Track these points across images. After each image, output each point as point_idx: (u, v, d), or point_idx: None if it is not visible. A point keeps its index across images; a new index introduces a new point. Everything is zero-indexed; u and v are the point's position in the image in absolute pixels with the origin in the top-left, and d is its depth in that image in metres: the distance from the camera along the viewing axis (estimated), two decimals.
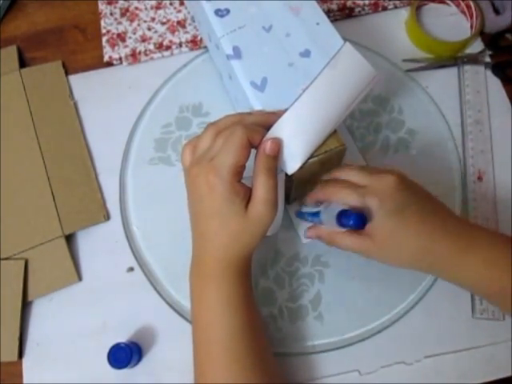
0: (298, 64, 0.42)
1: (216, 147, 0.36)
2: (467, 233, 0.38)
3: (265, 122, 0.38)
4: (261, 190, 0.35)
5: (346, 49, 0.39)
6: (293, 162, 0.38)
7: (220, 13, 0.45)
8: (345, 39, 0.43)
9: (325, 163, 0.40)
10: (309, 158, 0.38)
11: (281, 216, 0.43)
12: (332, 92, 0.38)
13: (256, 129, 0.36)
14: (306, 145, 0.37)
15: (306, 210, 0.44)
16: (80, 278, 0.47)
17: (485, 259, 0.37)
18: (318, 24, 0.44)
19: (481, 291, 0.39)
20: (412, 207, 0.37)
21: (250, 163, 0.36)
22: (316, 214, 0.41)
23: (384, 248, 0.38)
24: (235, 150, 0.34)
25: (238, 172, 0.35)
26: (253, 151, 0.37)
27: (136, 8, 0.59)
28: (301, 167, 0.38)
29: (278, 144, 0.37)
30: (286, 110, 0.38)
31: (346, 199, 0.37)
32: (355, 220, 0.35)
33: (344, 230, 0.38)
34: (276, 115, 0.38)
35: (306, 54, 0.43)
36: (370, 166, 0.41)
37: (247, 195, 0.36)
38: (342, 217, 0.36)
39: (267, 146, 0.36)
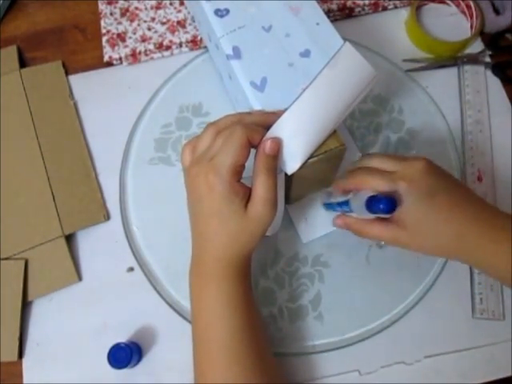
0: (298, 64, 0.42)
1: (215, 147, 0.36)
2: (499, 221, 0.37)
3: (264, 122, 0.38)
4: (260, 189, 0.35)
5: (345, 48, 0.39)
6: (292, 162, 0.38)
7: (220, 13, 0.45)
8: (345, 39, 0.43)
9: (325, 163, 0.40)
10: (309, 158, 0.38)
11: (281, 216, 0.43)
12: (332, 92, 0.38)
13: (256, 128, 0.36)
14: (305, 145, 0.37)
15: (333, 200, 0.43)
16: (80, 278, 0.47)
17: None
18: (317, 24, 0.44)
19: (506, 279, 0.38)
20: (443, 193, 0.37)
21: (249, 163, 0.36)
22: (345, 204, 0.40)
23: (415, 235, 0.37)
24: (235, 149, 0.34)
25: (238, 172, 0.35)
26: (252, 151, 0.37)
27: (136, 8, 0.59)
28: (300, 167, 0.38)
29: (278, 143, 0.37)
30: (285, 109, 0.38)
31: (375, 185, 0.37)
32: (385, 204, 0.34)
33: (374, 217, 0.37)
34: (276, 115, 0.38)
35: (305, 54, 0.43)
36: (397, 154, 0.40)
37: (247, 195, 0.36)
38: (372, 202, 0.35)
39: (267, 145, 0.36)
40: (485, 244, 0.37)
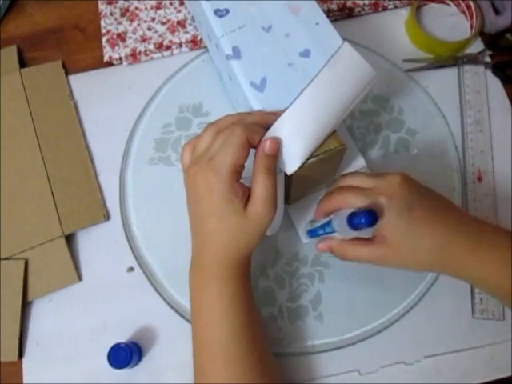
0: (298, 64, 0.42)
1: (215, 147, 0.36)
2: (481, 230, 0.38)
3: (264, 122, 0.38)
4: (260, 189, 0.35)
5: (344, 48, 0.39)
6: (292, 162, 0.38)
7: (219, 13, 0.45)
8: (344, 39, 0.43)
9: (324, 163, 0.40)
10: (308, 158, 0.38)
11: (281, 216, 0.43)
12: (331, 92, 0.38)
13: (255, 128, 0.36)
14: (305, 144, 0.37)
15: (316, 225, 0.43)
16: (80, 278, 0.47)
17: (503, 256, 0.36)
18: (317, 24, 0.44)
19: (499, 290, 0.38)
20: (422, 205, 0.37)
21: (249, 163, 0.36)
22: (327, 225, 0.40)
23: (398, 251, 0.37)
24: (234, 149, 0.34)
25: (237, 172, 0.35)
26: (252, 151, 0.37)
27: (136, 8, 0.59)
28: (300, 167, 0.38)
29: (278, 143, 0.37)
30: (285, 109, 0.38)
31: (356, 202, 0.38)
32: (366, 217, 0.34)
33: (357, 233, 0.37)
34: (275, 115, 0.38)
35: (305, 54, 0.43)
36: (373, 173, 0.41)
37: (246, 195, 0.36)
38: (354, 218, 0.35)
39: (266, 145, 0.36)
40: (470, 254, 0.37)
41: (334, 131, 0.39)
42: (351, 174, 0.42)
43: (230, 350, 0.36)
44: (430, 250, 0.37)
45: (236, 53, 0.43)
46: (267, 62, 0.43)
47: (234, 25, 0.44)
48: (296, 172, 0.38)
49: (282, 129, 0.37)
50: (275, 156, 0.36)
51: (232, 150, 0.34)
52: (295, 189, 0.44)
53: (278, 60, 0.42)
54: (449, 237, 0.37)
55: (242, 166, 0.36)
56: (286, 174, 0.39)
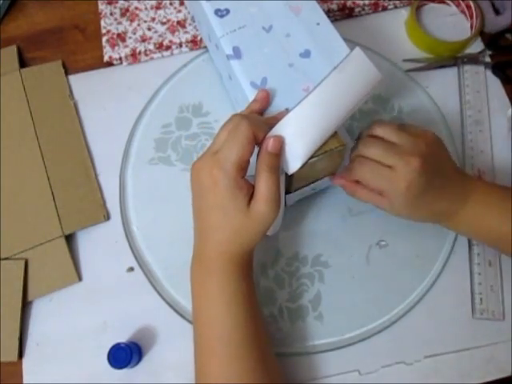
0: (298, 64, 0.42)
1: (220, 141, 0.36)
2: (466, 184, 0.42)
3: (269, 121, 0.38)
4: (263, 187, 0.35)
5: (356, 53, 0.39)
6: (294, 162, 0.38)
7: (220, 13, 0.45)
8: (346, 40, 0.43)
9: (325, 163, 0.40)
10: (309, 158, 0.38)
11: (281, 216, 0.43)
12: (338, 95, 0.38)
13: (260, 125, 0.36)
14: (307, 145, 0.37)
15: None
16: (80, 278, 0.47)
17: (483, 201, 0.41)
18: (318, 24, 0.44)
19: (481, 232, 0.43)
20: (433, 186, 0.40)
21: (252, 161, 0.36)
22: None
23: (400, 211, 0.42)
24: (239, 144, 0.34)
25: (242, 168, 0.35)
26: (255, 149, 0.37)
27: (136, 8, 0.59)
28: (301, 167, 0.38)
29: (281, 142, 0.37)
30: (287, 109, 0.38)
31: (378, 180, 0.40)
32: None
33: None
34: (280, 115, 0.38)
35: (306, 54, 0.43)
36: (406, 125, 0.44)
37: (250, 191, 0.36)
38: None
39: (269, 143, 0.36)
40: (454, 203, 0.41)
41: (335, 131, 0.39)
42: (381, 124, 0.42)
43: (232, 346, 0.36)
44: (430, 213, 0.42)
45: (236, 53, 0.43)
46: (268, 62, 0.43)
47: (235, 25, 0.44)
48: (297, 171, 0.38)
49: (286, 128, 0.37)
50: (278, 155, 0.37)
51: (237, 145, 0.34)
52: (296, 188, 0.44)
53: (279, 60, 0.43)
54: (446, 200, 0.41)
55: (247, 162, 0.36)
56: (286, 174, 0.39)
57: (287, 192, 0.43)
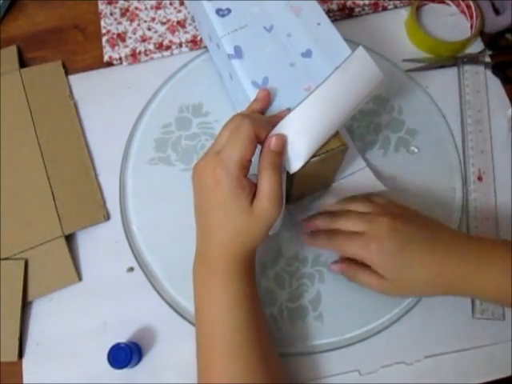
0: (300, 64, 0.42)
1: (222, 141, 0.36)
2: (475, 248, 0.40)
3: (271, 120, 0.38)
4: (266, 185, 0.35)
5: (358, 53, 0.39)
6: (296, 161, 0.38)
7: (221, 12, 0.45)
8: (346, 40, 0.43)
9: (326, 162, 0.40)
10: (311, 158, 0.38)
11: (281, 216, 0.43)
12: (341, 94, 0.38)
13: (262, 124, 0.36)
14: (309, 144, 0.37)
15: None
16: (80, 278, 0.47)
17: (500, 270, 0.38)
18: (319, 24, 0.44)
19: (502, 301, 0.41)
20: (413, 241, 0.40)
21: (255, 160, 0.36)
22: None
23: (399, 284, 0.41)
24: (242, 143, 0.34)
25: (245, 167, 0.35)
26: (258, 148, 0.37)
27: (136, 8, 0.59)
28: (303, 166, 0.38)
29: (283, 140, 0.37)
30: (289, 109, 0.38)
31: (349, 251, 0.42)
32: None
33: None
34: (283, 114, 0.38)
35: (307, 54, 0.43)
36: (359, 201, 0.45)
37: (252, 191, 0.36)
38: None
39: (272, 141, 0.36)
40: (467, 275, 0.39)
41: (336, 131, 0.39)
42: (344, 215, 0.43)
43: (234, 346, 0.36)
44: (427, 279, 0.40)
45: (238, 52, 0.43)
46: (269, 61, 0.43)
47: (236, 24, 0.44)
48: (298, 171, 0.38)
49: (288, 127, 0.37)
50: (280, 153, 0.37)
51: (239, 145, 0.34)
52: (296, 188, 0.44)
53: (280, 60, 0.43)
54: (444, 264, 0.39)
55: (250, 161, 0.36)
56: (288, 173, 0.39)
57: (288, 191, 0.43)
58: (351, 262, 0.43)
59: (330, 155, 0.39)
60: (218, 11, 0.45)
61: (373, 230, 0.40)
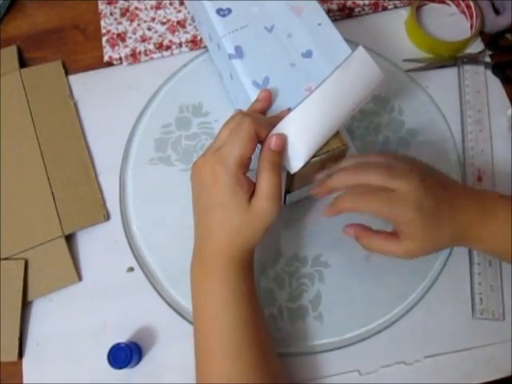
0: (300, 64, 0.42)
1: (222, 138, 0.36)
2: (481, 198, 0.39)
3: (272, 120, 0.38)
4: (265, 184, 0.35)
5: (358, 53, 0.39)
6: (296, 161, 0.38)
7: (222, 12, 0.45)
8: (346, 40, 0.43)
9: (326, 162, 0.40)
10: (311, 158, 0.38)
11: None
12: (341, 94, 0.38)
13: (263, 122, 0.36)
14: (310, 144, 0.37)
15: None
16: (80, 278, 0.47)
17: (504, 218, 0.38)
18: (319, 25, 0.44)
19: (505, 252, 0.39)
20: (437, 198, 0.37)
21: (254, 160, 0.36)
22: None
23: (425, 241, 0.38)
24: (242, 141, 0.34)
25: (244, 164, 0.35)
26: (258, 148, 0.37)
27: (136, 8, 0.59)
28: (303, 166, 0.38)
29: (283, 140, 0.37)
30: (289, 109, 0.38)
31: (378, 207, 0.37)
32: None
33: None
34: (284, 114, 0.38)
35: (307, 54, 0.43)
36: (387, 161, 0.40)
37: (251, 189, 0.36)
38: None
39: (272, 141, 0.36)
40: (481, 227, 0.38)
41: (337, 131, 0.39)
42: (366, 168, 0.39)
43: (232, 345, 0.36)
44: (451, 233, 0.38)
45: (238, 52, 0.43)
46: (270, 61, 0.43)
47: (237, 24, 0.44)
48: (297, 171, 0.38)
49: (288, 127, 0.37)
50: (280, 152, 0.36)
51: (240, 142, 0.34)
52: (296, 188, 0.44)
53: (281, 60, 0.43)
54: (463, 216, 0.38)
55: (250, 159, 0.36)
56: (288, 173, 0.39)
57: (288, 191, 0.43)
58: (366, 227, 0.41)
59: (331, 155, 0.39)
60: (219, 11, 0.45)
61: (405, 186, 0.37)
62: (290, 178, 0.40)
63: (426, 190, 0.37)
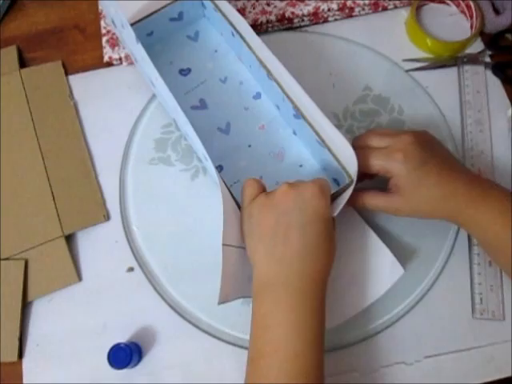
0: (252, 106, 0.51)
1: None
2: (481, 183, 0.42)
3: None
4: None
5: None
6: None
7: (184, 72, 0.53)
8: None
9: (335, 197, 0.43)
10: None
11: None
12: None
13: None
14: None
15: None
16: (80, 278, 0.47)
17: (502, 206, 0.40)
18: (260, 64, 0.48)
19: (498, 241, 0.41)
20: (433, 160, 0.41)
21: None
22: None
23: (411, 199, 0.41)
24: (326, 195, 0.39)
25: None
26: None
27: None
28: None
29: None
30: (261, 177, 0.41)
31: (374, 162, 0.42)
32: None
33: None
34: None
35: (257, 96, 0.52)
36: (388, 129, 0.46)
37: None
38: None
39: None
40: (471, 202, 0.40)
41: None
42: (368, 134, 0.45)
43: (292, 372, 0.35)
44: (438, 199, 0.41)
45: (202, 104, 0.51)
46: (228, 108, 0.51)
47: (197, 80, 0.52)
48: None
49: None
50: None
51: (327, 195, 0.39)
52: None
53: (236, 105, 0.51)
54: (454, 187, 0.41)
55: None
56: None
57: None
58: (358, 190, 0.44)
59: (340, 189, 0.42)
60: (181, 71, 0.53)
61: (397, 143, 0.42)
62: None
63: (416, 146, 0.41)
